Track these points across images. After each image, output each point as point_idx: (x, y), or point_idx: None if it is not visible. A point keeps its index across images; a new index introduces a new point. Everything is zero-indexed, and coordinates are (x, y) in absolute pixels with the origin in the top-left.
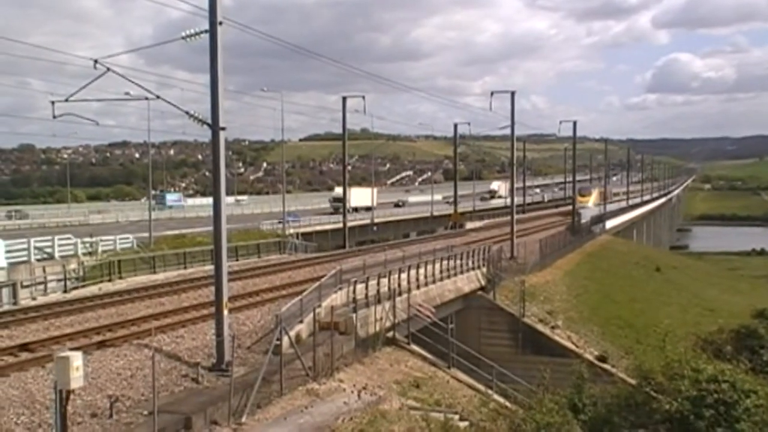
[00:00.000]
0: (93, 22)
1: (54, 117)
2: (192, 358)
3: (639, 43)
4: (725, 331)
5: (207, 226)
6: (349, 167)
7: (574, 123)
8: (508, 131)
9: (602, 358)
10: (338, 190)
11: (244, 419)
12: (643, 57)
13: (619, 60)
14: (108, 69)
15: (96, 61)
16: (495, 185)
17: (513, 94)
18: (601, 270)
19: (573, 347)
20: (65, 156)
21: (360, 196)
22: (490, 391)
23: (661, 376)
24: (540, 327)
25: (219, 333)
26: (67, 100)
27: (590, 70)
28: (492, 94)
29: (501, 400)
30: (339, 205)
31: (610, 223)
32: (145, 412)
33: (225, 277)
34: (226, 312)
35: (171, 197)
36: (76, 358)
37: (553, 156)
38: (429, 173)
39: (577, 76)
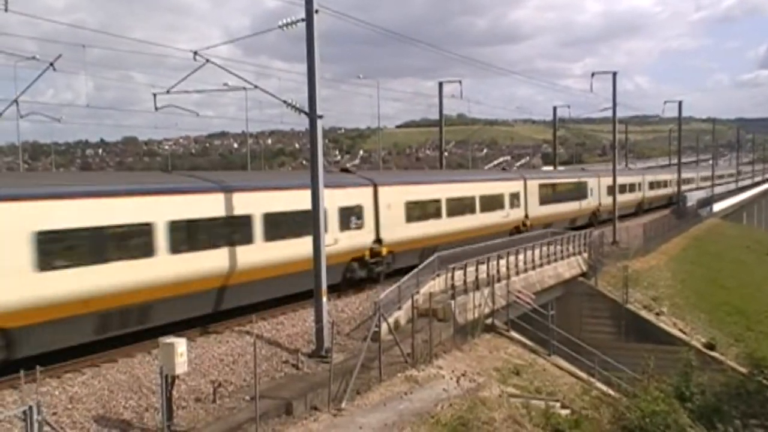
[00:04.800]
0: (192, 15)
1: (156, 109)
2: (292, 345)
3: (752, 16)
4: None
5: None
6: (446, 153)
7: (680, 103)
8: (609, 113)
9: (710, 346)
10: None
11: (343, 405)
12: (756, 31)
13: (730, 35)
14: (207, 60)
15: (195, 53)
16: None
17: (615, 74)
18: (709, 254)
19: (679, 334)
20: (166, 147)
21: None
22: (592, 379)
23: None
24: (644, 313)
25: (318, 319)
26: (168, 92)
27: (697, 48)
28: (593, 75)
29: (603, 388)
30: None
31: (717, 206)
32: (247, 397)
33: (324, 264)
34: (325, 299)
35: None
36: (180, 345)
37: (657, 138)
38: (527, 158)
39: (683, 54)
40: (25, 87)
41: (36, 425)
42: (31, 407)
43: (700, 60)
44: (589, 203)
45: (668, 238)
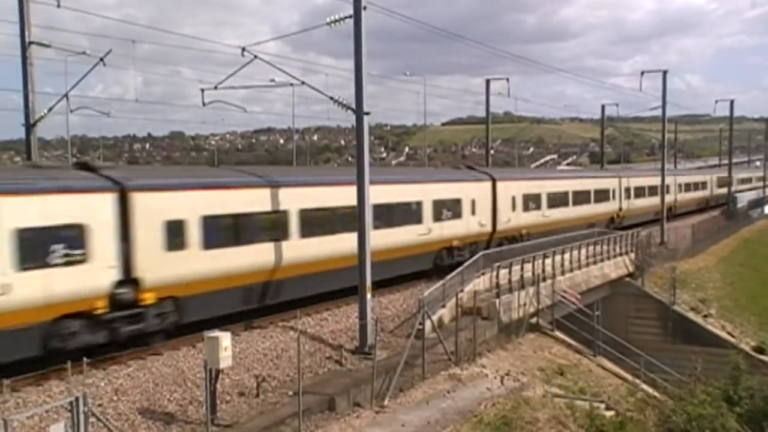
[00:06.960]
0: (241, 11)
1: (203, 104)
2: (335, 341)
3: None
4: None
5: None
6: (492, 151)
7: (731, 102)
8: (658, 112)
9: (760, 349)
10: None
11: (386, 402)
12: None
13: None
14: (255, 56)
15: (244, 49)
16: None
17: (665, 73)
18: (760, 256)
19: (727, 337)
20: (213, 142)
21: None
22: (637, 381)
23: None
24: (691, 315)
25: (362, 316)
26: (215, 88)
27: (754, 46)
28: (642, 73)
29: (649, 389)
30: None
31: None
32: (290, 393)
33: (368, 261)
34: (369, 296)
35: None
36: (225, 339)
37: (707, 137)
38: (574, 157)
39: (738, 52)
40: (75, 82)
41: (82, 416)
42: (77, 398)
43: (756, 58)
44: (705, 193)
45: (718, 239)
